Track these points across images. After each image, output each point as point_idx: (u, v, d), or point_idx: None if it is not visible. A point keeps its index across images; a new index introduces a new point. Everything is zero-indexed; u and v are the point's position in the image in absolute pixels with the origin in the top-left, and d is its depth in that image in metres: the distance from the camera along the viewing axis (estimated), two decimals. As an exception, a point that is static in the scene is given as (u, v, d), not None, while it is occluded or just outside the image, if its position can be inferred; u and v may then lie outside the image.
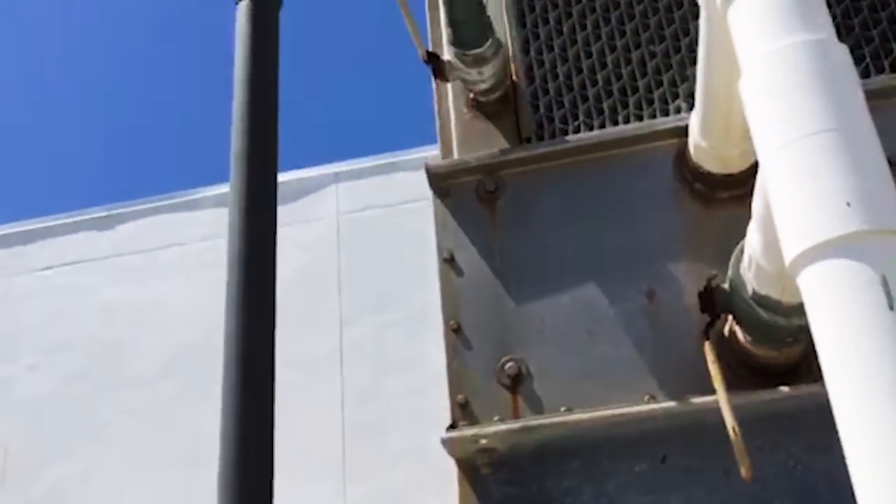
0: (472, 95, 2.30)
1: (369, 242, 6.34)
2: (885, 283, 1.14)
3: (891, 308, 1.13)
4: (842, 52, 1.31)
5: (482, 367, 2.03)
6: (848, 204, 1.19)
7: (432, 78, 2.29)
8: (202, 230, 6.50)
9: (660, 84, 2.23)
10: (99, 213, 6.85)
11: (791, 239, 1.23)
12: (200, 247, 6.44)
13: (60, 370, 6.21)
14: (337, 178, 6.67)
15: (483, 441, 1.90)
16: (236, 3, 1.79)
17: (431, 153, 2.40)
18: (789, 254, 1.23)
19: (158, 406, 5.95)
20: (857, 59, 2.12)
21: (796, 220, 1.23)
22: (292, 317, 5.95)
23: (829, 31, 1.33)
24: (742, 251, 1.67)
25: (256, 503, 1.54)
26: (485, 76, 2.20)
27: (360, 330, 6.09)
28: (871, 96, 1.34)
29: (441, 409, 2.08)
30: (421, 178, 2.28)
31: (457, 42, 2.15)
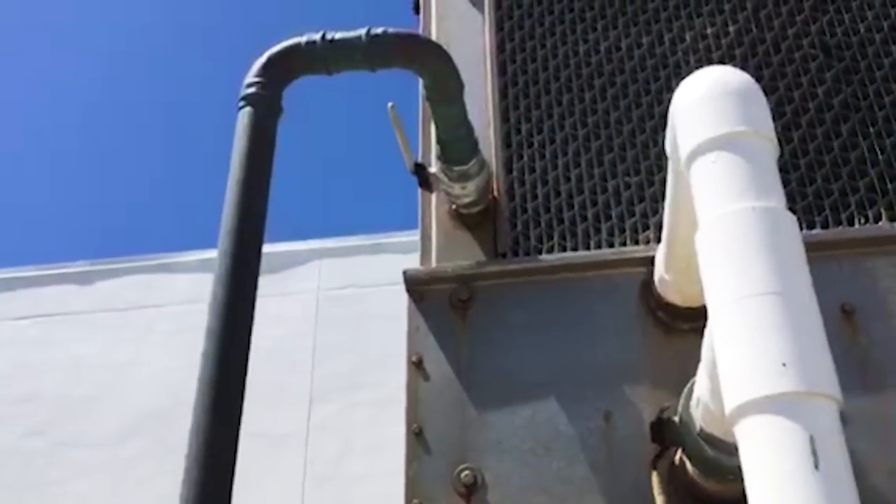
0: (453, 207, 2.41)
1: (346, 321, 6.40)
2: (812, 444, 1.22)
3: (816, 468, 1.21)
4: (790, 220, 1.42)
5: (439, 473, 2.08)
6: (784, 364, 1.28)
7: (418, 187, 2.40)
8: (180, 294, 6.54)
9: (632, 214, 2.35)
10: (80, 267, 6.88)
11: (731, 391, 1.32)
12: (176, 310, 6.47)
13: (21, 422, 6.14)
14: (321, 253, 6.77)
15: (433, 549, 1.94)
16: (238, 110, 1.91)
17: (415, 238, 2.50)
18: (729, 404, 1.32)
19: (114, 469, 5.88)
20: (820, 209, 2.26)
21: (736, 373, 1.32)
22: (263, 388, 5.97)
23: (779, 199, 1.45)
24: (692, 389, 1.75)
25: None
26: (468, 191, 2.31)
27: (329, 408, 6.10)
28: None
29: (402, 495, 2.12)
30: (403, 261, 2.37)
31: (443, 158, 2.27)
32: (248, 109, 1.89)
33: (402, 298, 2.33)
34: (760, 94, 1.57)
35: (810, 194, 2.26)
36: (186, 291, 6.45)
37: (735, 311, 1.37)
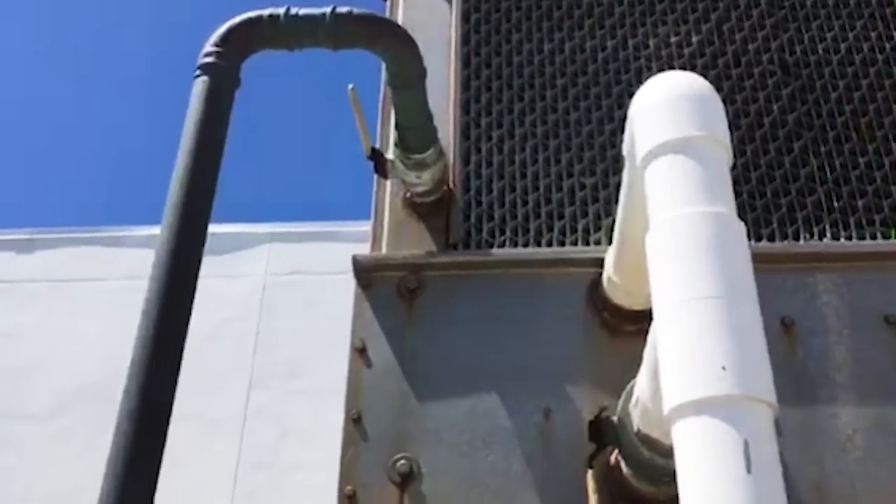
0: (408, 195, 2.40)
1: (292, 308, 6.32)
2: (746, 447, 1.24)
3: (748, 471, 1.22)
4: (737, 226, 1.44)
5: (375, 461, 2.06)
6: (723, 368, 1.29)
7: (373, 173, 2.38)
8: (123, 269, 6.39)
9: (585, 215, 2.36)
10: (21, 235, 6.69)
11: (670, 391, 1.33)
12: (118, 285, 6.32)
13: (-51, 390, 5.95)
14: (271, 237, 6.68)
15: (364, 535, 1.92)
16: (194, 78, 1.86)
17: (368, 228, 2.47)
18: (667, 404, 1.32)
19: (45, 442, 5.73)
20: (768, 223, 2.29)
21: (677, 374, 1.33)
22: (202, 370, 5.88)
23: (729, 206, 1.47)
24: (632, 391, 1.77)
25: None
26: (423, 180, 2.30)
27: (268, 394, 6.02)
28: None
29: (332, 487, 2.09)
30: (355, 250, 2.34)
31: (401, 145, 2.25)
32: (204, 79, 1.85)
33: (350, 289, 2.31)
34: (719, 101, 1.59)
35: (759, 207, 2.30)
36: (130, 266, 6.30)
37: (679, 313, 1.38)
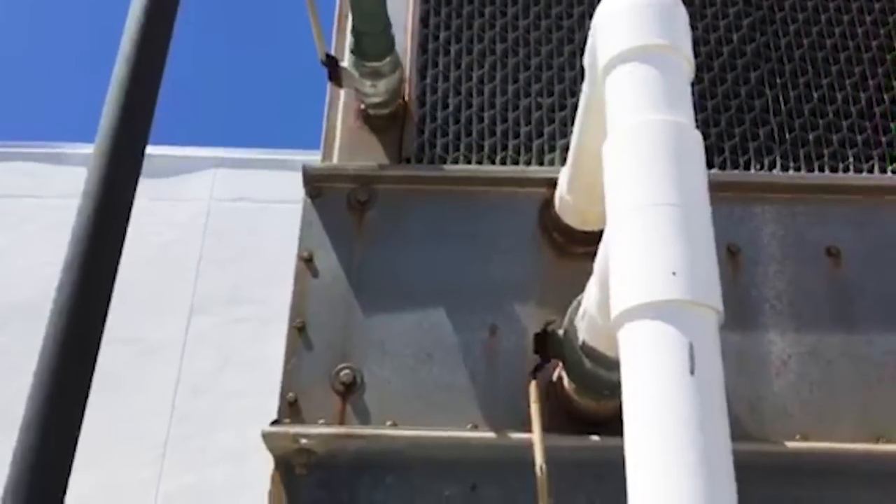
0: (362, 107, 2.34)
1: (236, 234, 6.23)
2: (691, 350, 1.25)
3: (691, 373, 1.23)
4: (695, 136, 1.43)
5: (318, 370, 2.05)
6: (674, 273, 1.30)
7: (327, 81, 2.31)
8: (64, 187, 6.20)
9: (540, 135, 2.34)
10: (-47, 148, 6.44)
11: (619, 295, 1.33)
12: (58, 203, 6.14)
13: None
14: (217, 162, 6.54)
15: (303, 441, 1.91)
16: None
17: (318, 158, 2.41)
18: (615, 309, 1.33)
19: (-24, 360, 5.59)
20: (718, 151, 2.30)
21: (627, 279, 1.33)
22: (142, 294, 5.77)
23: (688, 116, 1.46)
24: (580, 303, 1.77)
25: (51, 475, 1.48)
26: (378, 90, 2.24)
27: (209, 320, 5.95)
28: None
29: (274, 414, 2.07)
30: (301, 180, 2.28)
31: (357, 52, 2.19)
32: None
33: (296, 219, 2.25)
34: (684, 12, 1.57)
35: (713, 135, 2.31)
36: (72, 184, 6.11)
37: (633, 218, 1.37)
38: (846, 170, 2.28)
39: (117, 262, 1.70)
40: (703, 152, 1.43)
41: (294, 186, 2.29)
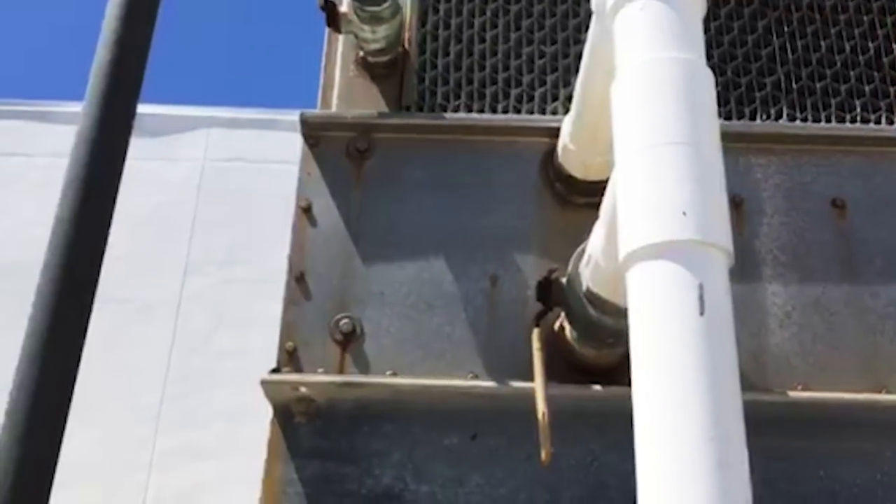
0: (361, 54, 2.29)
1: (230, 195, 6.17)
2: (701, 290, 1.22)
3: (701, 314, 1.21)
4: (706, 74, 1.40)
5: (317, 320, 2.02)
6: (684, 213, 1.27)
7: (325, 26, 2.26)
8: (54, 145, 6.12)
9: (543, 83, 2.29)
10: (-59, 106, 6.35)
11: (628, 236, 1.30)
12: (48, 162, 6.07)
13: None
14: (211, 122, 6.47)
15: (303, 389, 1.90)
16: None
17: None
18: (624, 250, 1.30)
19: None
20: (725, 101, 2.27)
21: (636, 219, 1.30)
22: (137, 253, 5.73)
23: (699, 53, 1.42)
24: (584, 250, 1.75)
25: (44, 435, 1.46)
26: (377, 36, 2.19)
27: (203, 281, 5.93)
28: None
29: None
30: (297, 139, 2.24)
31: (357, -5, 2.13)
32: None
33: (291, 179, 2.21)
34: (695, -51, 1.52)
35: (719, 85, 2.26)
36: (62, 143, 6.03)
37: (642, 158, 1.34)
38: (853, 120, 2.24)
39: (109, 222, 1.67)
40: (714, 91, 1.40)
41: (289, 146, 2.24)
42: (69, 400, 1.54)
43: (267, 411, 1.95)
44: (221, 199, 6.21)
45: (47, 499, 1.46)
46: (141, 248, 5.77)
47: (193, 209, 6.21)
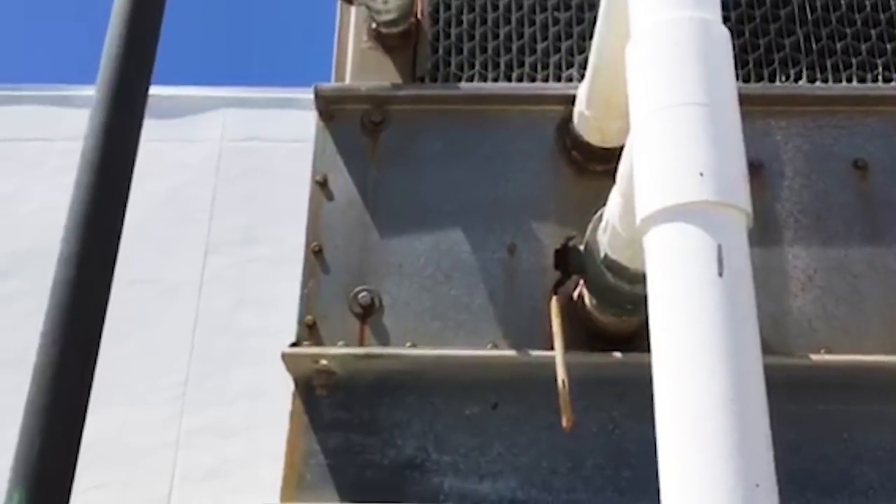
0: (374, 25, 2.28)
1: (248, 174, 6.18)
2: (719, 252, 1.21)
3: (720, 275, 1.20)
4: (723, 34, 1.37)
5: (336, 293, 2.03)
6: (701, 174, 1.25)
7: (338, -1, 2.24)
8: (73, 129, 6.14)
9: (558, 51, 2.27)
10: (-39, 92, 6.39)
11: (644, 199, 1.29)
12: (66, 146, 6.09)
13: None
14: (227, 102, 6.47)
15: (323, 362, 1.90)
16: None
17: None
18: (641, 213, 1.28)
19: (-9, 305, 5.63)
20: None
21: (653, 182, 1.29)
22: (158, 235, 5.77)
23: (715, 12, 1.39)
24: (601, 216, 1.73)
25: (66, 417, 1.47)
26: (390, 6, 2.18)
27: (224, 260, 5.95)
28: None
29: None
30: (312, 118, 2.23)
31: (367, -35, 2.12)
32: None
33: (307, 157, 2.20)
34: None
35: (737, 47, 2.22)
36: (78, 127, 6.07)
37: (659, 119, 1.32)
38: (875, 80, 2.20)
39: (124, 206, 1.67)
40: (731, 49, 1.37)
41: (305, 125, 2.24)
42: (90, 382, 1.55)
43: (291, 388, 1.97)
44: (239, 179, 6.22)
45: (72, 480, 1.47)
46: (163, 229, 5.81)
47: (212, 190, 6.23)
